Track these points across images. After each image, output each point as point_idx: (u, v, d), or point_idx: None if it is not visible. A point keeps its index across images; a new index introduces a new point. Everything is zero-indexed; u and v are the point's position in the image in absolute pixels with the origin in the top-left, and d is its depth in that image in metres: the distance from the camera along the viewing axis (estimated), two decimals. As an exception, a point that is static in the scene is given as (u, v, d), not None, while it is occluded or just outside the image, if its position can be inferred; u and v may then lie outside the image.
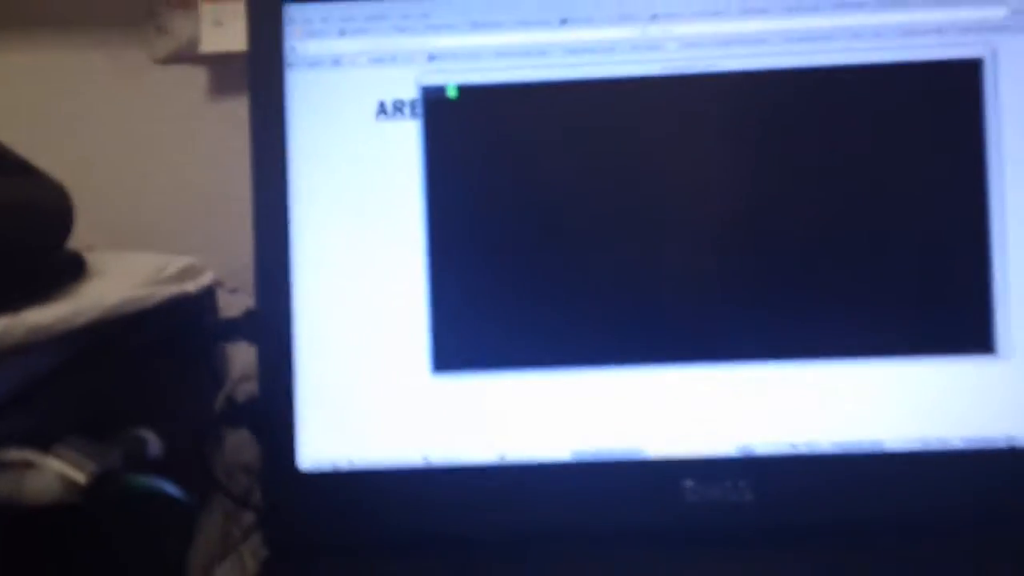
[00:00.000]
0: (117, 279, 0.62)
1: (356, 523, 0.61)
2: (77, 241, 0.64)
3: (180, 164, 0.84)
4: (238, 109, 0.80)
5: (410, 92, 0.61)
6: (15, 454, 0.50)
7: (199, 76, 0.83)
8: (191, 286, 0.67)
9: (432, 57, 0.61)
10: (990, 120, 0.59)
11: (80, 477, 0.48)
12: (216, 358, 0.73)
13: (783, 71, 0.60)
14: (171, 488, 0.54)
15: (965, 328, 0.59)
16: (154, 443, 0.57)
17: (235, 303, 0.74)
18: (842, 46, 0.59)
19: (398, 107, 0.61)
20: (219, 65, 0.85)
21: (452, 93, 0.61)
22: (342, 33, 0.61)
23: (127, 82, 0.84)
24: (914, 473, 0.58)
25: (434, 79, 0.61)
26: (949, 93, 0.59)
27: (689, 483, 0.59)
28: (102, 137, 0.84)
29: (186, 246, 0.78)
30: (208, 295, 0.71)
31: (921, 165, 0.59)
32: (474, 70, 0.61)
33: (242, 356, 0.73)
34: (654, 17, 0.60)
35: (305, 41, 0.62)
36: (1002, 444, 0.58)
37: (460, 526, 0.60)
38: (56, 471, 0.48)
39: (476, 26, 0.61)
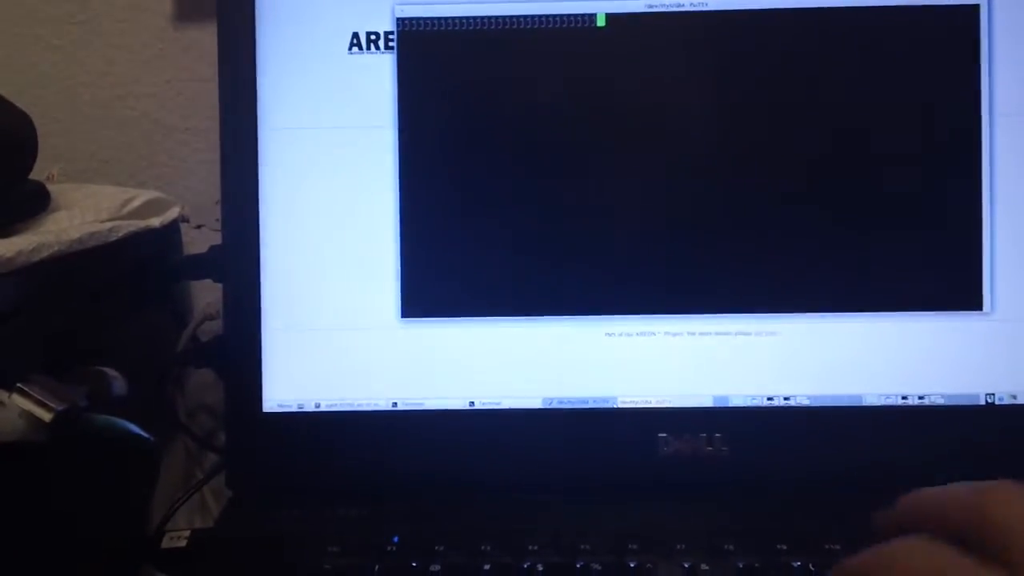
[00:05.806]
0: (80, 212, 0.64)
1: (322, 466, 0.63)
2: (36, 172, 0.65)
3: (143, 94, 0.85)
4: (203, 37, 0.82)
5: (385, 24, 0.62)
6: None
7: (163, 2, 0.84)
8: (156, 221, 0.69)
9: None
10: (984, 67, 0.61)
11: (45, 416, 0.50)
12: (180, 296, 0.75)
13: (778, 10, 0.61)
14: (135, 428, 0.56)
15: (954, 285, 0.61)
16: (118, 381, 0.59)
17: (200, 240, 0.76)
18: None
19: (372, 39, 0.62)
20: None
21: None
22: (315, -40, 0.62)
23: (89, 7, 0.85)
24: (893, 428, 0.61)
25: (409, 11, 0.62)
26: (946, 38, 0.61)
27: (663, 435, 0.61)
28: (62, 65, 0.85)
29: (149, 180, 0.80)
30: (173, 231, 0.72)
31: (915, 111, 0.61)
32: (451, 3, 0.62)
33: (206, 294, 0.75)
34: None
35: (276, -34, 0.62)
36: (981, 400, 0.61)
37: (428, 471, 0.62)
38: (21, 409, 0.50)
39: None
